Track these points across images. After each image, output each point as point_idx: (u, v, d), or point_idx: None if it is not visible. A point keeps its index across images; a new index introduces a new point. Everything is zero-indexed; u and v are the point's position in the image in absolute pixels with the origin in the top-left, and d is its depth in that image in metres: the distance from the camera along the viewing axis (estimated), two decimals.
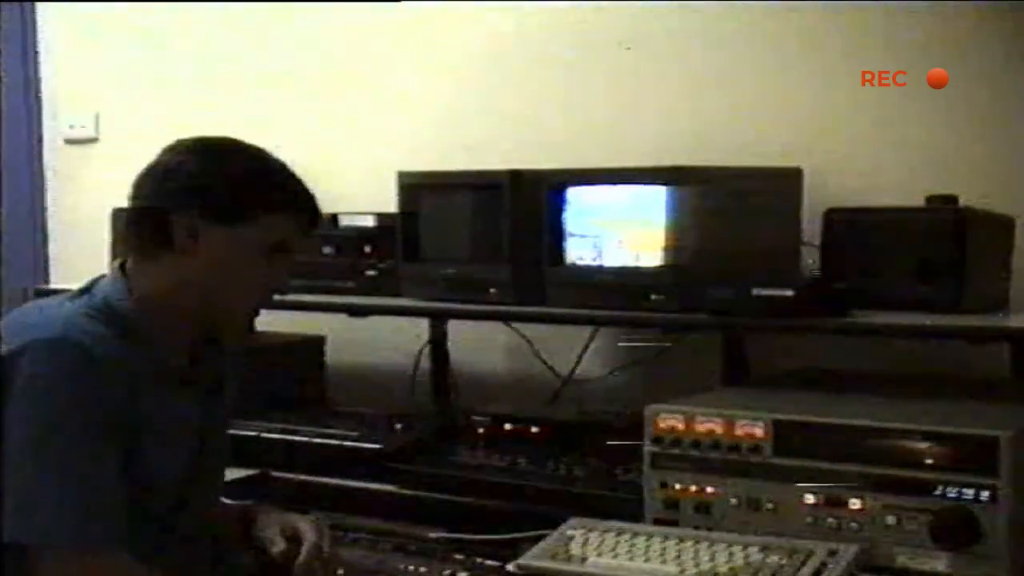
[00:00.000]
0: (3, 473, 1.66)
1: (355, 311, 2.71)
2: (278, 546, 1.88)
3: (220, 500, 2.03)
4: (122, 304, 1.79)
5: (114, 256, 2.97)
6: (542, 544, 1.98)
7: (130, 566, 1.72)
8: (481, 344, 2.97)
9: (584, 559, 1.91)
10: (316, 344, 3.02)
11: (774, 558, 1.86)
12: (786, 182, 2.46)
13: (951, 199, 2.24)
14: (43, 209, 3.79)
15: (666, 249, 2.25)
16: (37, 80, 3.76)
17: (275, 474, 2.51)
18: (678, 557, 1.89)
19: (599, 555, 1.92)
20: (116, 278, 1.82)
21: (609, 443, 2.37)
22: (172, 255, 1.77)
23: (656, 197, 2.27)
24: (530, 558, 1.94)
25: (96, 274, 1.91)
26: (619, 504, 2.14)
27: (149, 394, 1.77)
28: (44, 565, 1.67)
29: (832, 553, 1.85)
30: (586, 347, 2.80)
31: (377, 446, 2.49)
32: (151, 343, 1.80)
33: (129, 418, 1.74)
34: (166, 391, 1.81)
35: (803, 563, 1.83)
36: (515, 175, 2.47)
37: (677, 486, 2.07)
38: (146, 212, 1.79)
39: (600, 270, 2.36)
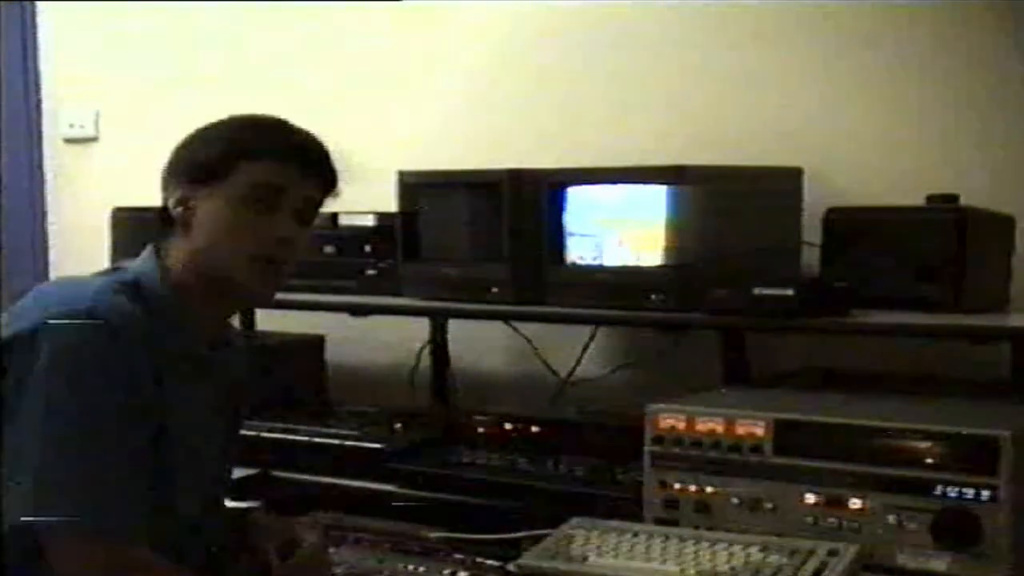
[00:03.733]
0: (21, 450, 1.60)
1: (355, 311, 2.71)
2: (275, 565, 1.85)
3: (224, 503, 2.00)
4: (152, 283, 1.74)
5: (114, 257, 2.98)
6: (542, 544, 1.98)
7: (146, 555, 1.66)
8: (481, 344, 2.97)
9: (584, 559, 1.91)
10: (316, 344, 3.02)
11: (774, 558, 1.86)
12: (786, 182, 2.46)
13: (951, 199, 2.24)
14: (43, 209, 3.79)
15: (666, 249, 2.25)
16: (37, 80, 3.77)
17: (275, 474, 2.51)
18: (678, 557, 1.88)
19: (599, 555, 1.92)
20: (148, 257, 1.78)
21: (609, 443, 2.38)
22: (178, 231, 1.76)
23: (656, 196, 2.26)
24: (530, 558, 1.93)
25: None
26: (619, 504, 2.14)
27: (173, 379, 1.72)
28: (56, 549, 1.62)
29: (832, 553, 1.85)
30: (586, 347, 2.80)
31: (377, 446, 2.49)
32: (178, 325, 1.75)
33: (155, 401, 1.68)
34: (190, 378, 1.76)
35: (803, 563, 1.83)
36: (515, 175, 2.46)
37: (677, 486, 2.07)
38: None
39: (600, 270, 2.36)
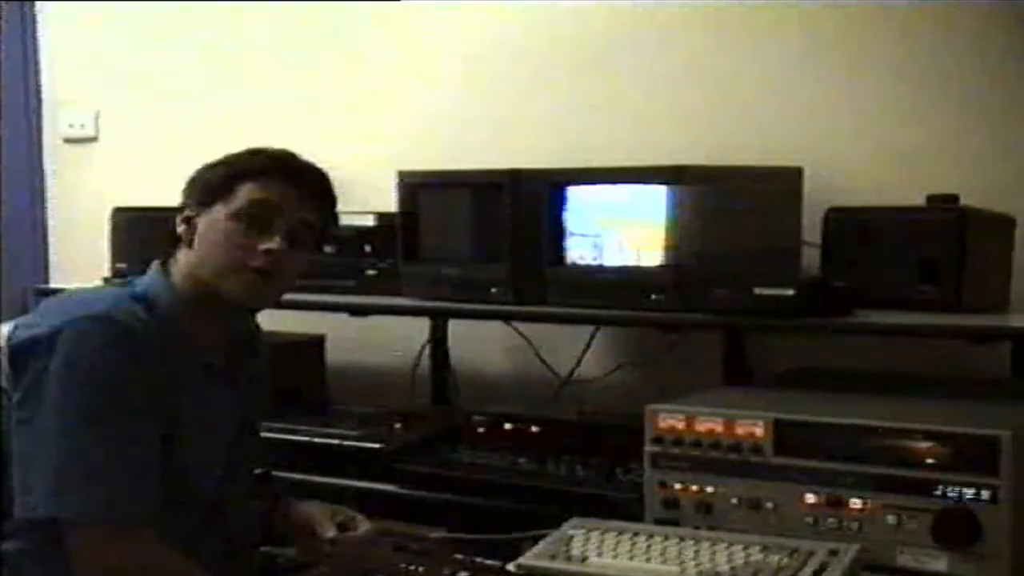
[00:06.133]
0: (39, 445, 1.67)
1: (355, 311, 2.71)
2: (330, 531, 1.97)
3: (249, 498, 2.05)
4: (160, 297, 1.83)
5: (114, 257, 2.98)
6: (542, 544, 1.98)
7: (157, 546, 1.73)
8: (481, 344, 2.97)
9: (584, 559, 1.91)
10: (316, 344, 3.02)
11: (774, 558, 1.86)
12: (786, 182, 2.46)
13: (951, 199, 2.24)
14: (43, 209, 3.79)
15: (666, 249, 2.25)
16: (37, 80, 3.77)
17: (275, 474, 2.51)
18: (678, 557, 1.89)
19: (599, 555, 1.92)
20: (157, 272, 1.88)
21: (609, 443, 2.37)
22: (183, 247, 1.87)
23: (657, 196, 2.26)
24: (530, 558, 1.93)
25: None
26: (619, 504, 2.14)
27: (187, 385, 1.81)
28: (73, 539, 1.69)
29: (832, 553, 1.85)
30: (586, 347, 2.80)
31: (377, 446, 2.49)
32: (188, 337, 1.84)
33: (168, 403, 1.76)
34: (203, 385, 1.84)
35: (803, 563, 1.83)
36: (515, 175, 2.46)
37: (677, 486, 2.07)
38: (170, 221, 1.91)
39: (600, 269, 2.36)
